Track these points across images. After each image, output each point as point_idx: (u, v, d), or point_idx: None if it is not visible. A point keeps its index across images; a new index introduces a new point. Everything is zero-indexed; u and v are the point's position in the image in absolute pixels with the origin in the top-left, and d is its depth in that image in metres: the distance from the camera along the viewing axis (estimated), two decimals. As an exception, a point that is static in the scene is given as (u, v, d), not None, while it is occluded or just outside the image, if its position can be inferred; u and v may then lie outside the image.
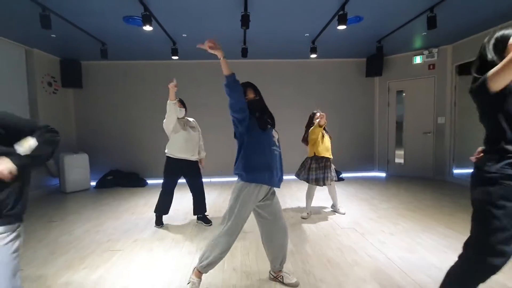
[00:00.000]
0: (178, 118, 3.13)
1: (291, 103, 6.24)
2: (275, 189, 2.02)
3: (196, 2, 3.38)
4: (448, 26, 4.41)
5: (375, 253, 2.50)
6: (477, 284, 1.35)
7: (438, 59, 5.57)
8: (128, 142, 6.09)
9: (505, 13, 3.93)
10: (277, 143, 1.98)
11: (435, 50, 5.55)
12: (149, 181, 5.91)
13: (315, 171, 3.42)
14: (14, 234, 1.23)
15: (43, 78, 5.22)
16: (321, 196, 4.20)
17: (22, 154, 1.20)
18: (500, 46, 1.34)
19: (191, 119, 3.36)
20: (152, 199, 4.61)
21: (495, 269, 1.29)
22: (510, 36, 1.32)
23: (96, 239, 2.98)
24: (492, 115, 1.33)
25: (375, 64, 6.01)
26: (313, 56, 5.15)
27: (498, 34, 1.38)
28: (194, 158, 3.24)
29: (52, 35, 4.30)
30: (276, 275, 2.08)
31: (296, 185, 5.34)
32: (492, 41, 1.38)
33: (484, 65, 1.34)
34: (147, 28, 3.47)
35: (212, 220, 3.41)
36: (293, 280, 2.04)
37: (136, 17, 3.68)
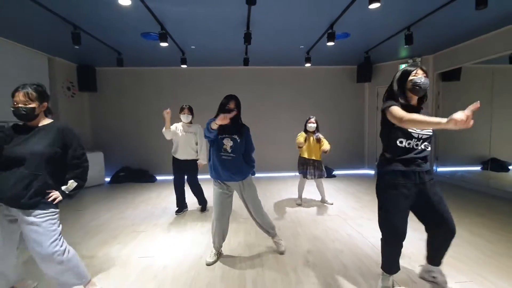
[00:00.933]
0: (182, 122, 3.71)
1: (288, 106, 6.81)
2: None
3: (205, 22, 3.93)
4: (427, 40, 4.99)
5: (353, 233, 3.08)
6: None
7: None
8: (138, 141, 6.64)
9: (475, 30, 4.50)
10: (228, 150, 2.40)
11: (418, 59, 6.13)
12: (158, 177, 6.47)
13: (302, 166, 4.09)
14: (52, 215, 1.80)
15: (63, 83, 5.77)
16: (313, 190, 4.76)
17: (66, 191, 1.84)
18: (403, 79, 1.91)
19: (193, 125, 3.78)
20: (163, 192, 5.17)
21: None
22: (410, 73, 1.89)
23: (121, 223, 3.54)
24: (385, 133, 1.95)
25: (364, 71, 6.59)
26: (308, 65, 5.72)
27: (403, 69, 1.94)
28: (190, 158, 3.73)
29: (75, 47, 4.84)
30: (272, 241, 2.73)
31: (291, 181, 5.91)
32: (398, 74, 1.95)
33: (392, 92, 1.94)
34: (163, 44, 4.03)
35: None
36: (281, 249, 2.64)
37: (152, 33, 4.23)
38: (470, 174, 5.80)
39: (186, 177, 3.87)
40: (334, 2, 3.39)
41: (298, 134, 4.09)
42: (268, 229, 2.67)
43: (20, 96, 1.75)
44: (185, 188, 3.90)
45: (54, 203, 1.78)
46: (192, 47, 5.03)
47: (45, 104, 1.85)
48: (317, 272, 2.29)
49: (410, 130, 1.85)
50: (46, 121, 1.87)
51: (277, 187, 5.47)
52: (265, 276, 2.24)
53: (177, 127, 3.72)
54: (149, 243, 2.92)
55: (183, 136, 3.69)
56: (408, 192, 1.85)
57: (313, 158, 4.04)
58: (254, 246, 2.81)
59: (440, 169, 6.15)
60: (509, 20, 4.10)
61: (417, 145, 1.87)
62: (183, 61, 5.42)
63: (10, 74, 4.51)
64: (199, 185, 3.93)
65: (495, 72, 5.24)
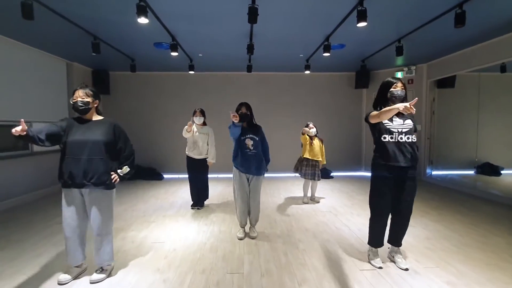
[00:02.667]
0: (195, 123, 4.10)
1: (288, 111, 7.19)
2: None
3: (212, 35, 4.34)
4: (419, 51, 5.33)
5: (341, 226, 3.44)
6: None
7: (416, 75, 6.48)
8: (147, 141, 7.07)
9: (464, 42, 4.83)
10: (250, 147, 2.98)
11: (413, 68, 6.46)
12: (165, 175, 6.89)
13: (305, 167, 4.41)
14: (112, 194, 2.26)
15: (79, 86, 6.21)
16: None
17: (121, 174, 2.26)
18: (385, 89, 2.37)
19: (205, 127, 4.19)
20: (170, 189, 5.58)
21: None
22: (392, 85, 2.30)
23: (134, 214, 3.95)
24: (373, 134, 2.43)
25: (362, 78, 6.94)
26: (307, 72, 6.09)
27: (386, 80, 2.39)
28: (200, 157, 4.12)
29: (93, 54, 5.29)
30: (249, 227, 3.22)
31: (291, 182, 6.28)
32: (382, 85, 2.40)
33: (377, 100, 2.43)
34: (174, 53, 4.45)
35: (218, 206, 4.38)
36: (253, 234, 3.10)
37: (164, 43, 4.65)
38: (461, 178, 6.10)
39: (197, 175, 4.18)
40: (329, 17, 3.76)
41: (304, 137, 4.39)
42: (252, 219, 3.15)
43: (79, 93, 2.18)
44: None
45: (115, 183, 2.23)
46: (199, 55, 5.45)
47: (97, 101, 2.28)
48: (305, 256, 2.65)
49: (388, 126, 2.32)
50: (99, 117, 2.30)
51: (277, 186, 5.84)
52: (260, 258, 2.61)
53: (193, 128, 4.09)
54: (160, 231, 3.32)
55: (195, 137, 4.07)
56: (390, 182, 2.35)
57: (316, 159, 4.37)
58: (249, 238, 3.18)
59: (434, 172, 6.46)
60: (493, 34, 4.42)
61: (401, 138, 2.31)
62: (191, 68, 5.85)
63: (30, 78, 4.96)
64: (207, 182, 4.30)
65: (488, 80, 5.56)
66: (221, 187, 5.79)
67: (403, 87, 2.36)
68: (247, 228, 3.23)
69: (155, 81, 7.05)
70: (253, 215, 3.14)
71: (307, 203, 4.52)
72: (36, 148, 5.12)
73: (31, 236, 3.13)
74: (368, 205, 2.52)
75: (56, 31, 4.15)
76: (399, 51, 4.61)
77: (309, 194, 4.65)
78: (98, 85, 6.65)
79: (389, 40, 4.66)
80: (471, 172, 6.47)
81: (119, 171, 2.27)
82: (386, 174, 2.34)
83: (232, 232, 3.28)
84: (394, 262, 2.49)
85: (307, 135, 4.36)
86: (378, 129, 2.36)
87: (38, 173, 5.05)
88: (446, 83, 6.30)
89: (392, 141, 2.31)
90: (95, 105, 2.29)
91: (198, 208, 4.22)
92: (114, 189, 2.28)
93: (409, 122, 2.35)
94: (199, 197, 4.28)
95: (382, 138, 2.34)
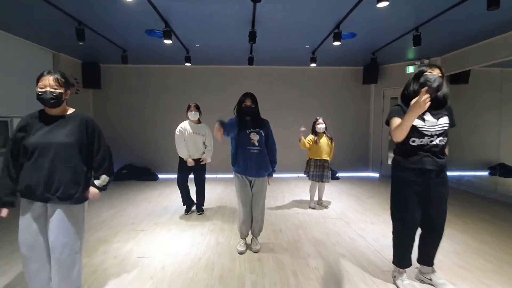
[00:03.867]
0: (189, 120, 3.68)
1: (292, 107, 6.75)
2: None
3: (210, 20, 3.89)
4: (435, 42, 4.89)
5: (355, 237, 3.02)
6: None
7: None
8: (141, 139, 6.63)
9: (485, 32, 4.40)
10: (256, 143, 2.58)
11: (426, 61, 6.02)
12: (160, 176, 6.46)
13: (313, 169, 4.00)
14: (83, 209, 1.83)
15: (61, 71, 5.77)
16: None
17: (99, 185, 1.85)
18: (417, 77, 1.96)
19: (201, 125, 3.74)
20: (165, 191, 5.16)
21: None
22: (426, 71, 1.92)
23: (122, 221, 3.52)
24: None
25: (371, 72, 6.50)
26: (313, 65, 5.65)
27: (420, 68, 1.98)
28: (195, 157, 3.68)
29: (80, 43, 4.84)
30: (251, 238, 2.80)
31: (295, 183, 5.86)
32: (414, 75, 1.99)
33: (404, 93, 2.02)
34: (167, 41, 4.01)
35: (216, 212, 3.94)
36: (256, 247, 2.69)
37: (157, 31, 4.21)
38: (477, 179, 5.69)
39: (193, 176, 3.77)
40: (341, 1, 3.33)
41: (307, 138, 4.00)
42: (255, 229, 2.74)
43: (50, 80, 1.68)
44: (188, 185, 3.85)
45: (91, 198, 1.83)
46: (196, 45, 5.00)
47: (69, 92, 1.81)
48: (318, 276, 2.24)
49: (419, 127, 1.90)
50: (70, 110, 1.84)
51: (281, 188, 5.42)
52: (265, 279, 2.20)
53: (185, 128, 3.66)
54: (148, 242, 2.90)
55: (190, 137, 3.64)
56: (418, 188, 1.95)
57: (323, 158, 3.96)
58: (251, 251, 2.77)
59: (447, 173, 6.04)
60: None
61: (431, 141, 1.91)
62: (188, 59, 5.40)
63: (13, 69, 4.52)
64: (204, 184, 3.88)
65: (505, 76, 5.12)
66: (219, 189, 5.37)
67: (441, 74, 1.91)
68: (248, 239, 2.82)
69: (149, 75, 6.60)
70: (257, 224, 2.73)
71: (314, 208, 4.10)
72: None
73: (2, 247, 2.72)
74: (390, 217, 2.12)
75: (37, 16, 3.71)
76: (417, 41, 4.17)
77: (316, 198, 4.23)
78: (89, 79, 6.23)
79: (406, 28, 4.23)
80: (485, 173, 6.09)
81: (96, 182, 1.83)
82: (412, 179, 1.94)
83: (231, 244, 2.86)
84: (431, 284, 2.07)
85: (313, 134, 3.99)
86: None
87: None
88: (459, 78, 5.88)
89: (422, 145, 1.91)
90: (67, 97, 1.80)
91: (199, 214, 3.81)
92: (87, 201, 1.84)
93: (444, 120, 1.93)
94: (197, 200, 3.86)
95: (410, 142, 1.93)
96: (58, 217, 1.70)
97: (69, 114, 1.83)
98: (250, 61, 5.45)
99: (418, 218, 2.00)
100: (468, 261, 2.47)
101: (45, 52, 5.28)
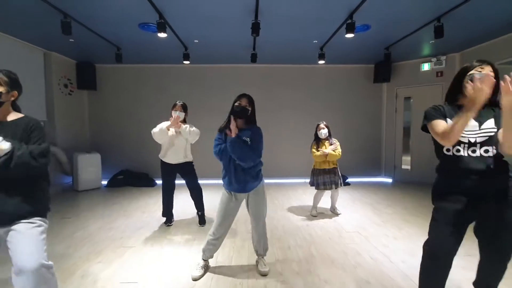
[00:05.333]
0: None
1: (299, 108, 6.33)
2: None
3: (209, 10, 3.51)
4: (456, 35, 4.45)
5: (379, 256, 2.57)
6: None
7: (446, 66, 5.59)
8: (138, 143, 6.25)
9: (510, 25, 3.96)
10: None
11: (443, 58, 5.57)
12: (158, 181, 6.06)
13: (317, 176, 3.64)
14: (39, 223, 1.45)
15: (60, 80, 5.44)
16: (327, 199, 4.27)
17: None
18: (461, 75, 1.61)
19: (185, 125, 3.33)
20: (160, 199, 4.73)
21: None
22: (473, 68, 1.55)
23: (109, 235, 3.12)
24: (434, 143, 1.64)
25: (383, 70, 6.07)
26: (321, 62, 5.24)
27: (465, 65, 1.62)
28: (178, 161, 3.33)
29: (70, 40, 4.50)
30: (256, 259, 2.41)
31: (302, 189, 5.41)
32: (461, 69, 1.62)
33: (449, 92, 1.66)
34: (162, 35, 3.63)
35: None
36: (265, 269, 2.28)
37: (151, 24, 3.84)
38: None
39: (185, 182, 3.45)
40: (357, -15, 2.93)
41: (312, 149, 3.67)
42: (259, 248, 2.38)
43: None
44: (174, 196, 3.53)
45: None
46: (195, 41, 4.63)
47: (15, 93, 1.54)
48: (339, 312, 1.80)
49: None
50: (16, 115, 1.53)
51: (287, 195, 4.98)
52: (273, 315, 1.77)
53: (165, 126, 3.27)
54: (136, 263, 2.48)
55: (173, 137, 3.24)
56: (462, 207, 1.49)
57: (328, 167, 3.61)
58: (256, 271, 2.34)
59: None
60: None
61: (473, 151, 1.47)
62: (186, 57, 5.03)
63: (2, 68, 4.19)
64: (200, 188, 3.50)
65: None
66: (216, 195, 4.93)
67: (493, 74, 1.49)
68: (276, 266, 2.39)
69: (147, 76, 6.24)
70: (259, 243, 2.34)
71: (315, 216, 3.74)
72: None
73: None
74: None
75: (22, 10, 3.37)
76: (439, 32, 3.73)
77: (319, 205, 3.88)
78: (83, 79, 5.89)
79: (426, 18, 3.79)
80: None
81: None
82: (452, 196, 1.53)
83: (232, 263, 2.44)
84: None
85: (315, 141, 3.70)
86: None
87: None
88: (478, 76, 5.43)
89: (461, 155, 1.50)
90: (12, 98, 1.51)
91: (201, 225, 3.43)
92: (42, 218, 1.48)
93: (489, 124, 1.49)
94: (196, 209, 3.48)
95: (445, 151, 1.55)
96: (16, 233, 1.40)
97: (13, 120, 1.48)
98: (253, 58, 5.06)
99: (453, 249, 1.56)
100: (520, 290, 2.01)
101: (35, 51, 4.95)
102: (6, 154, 1.32)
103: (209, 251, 2.34)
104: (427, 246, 1.64)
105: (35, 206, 1.45)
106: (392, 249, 2.71)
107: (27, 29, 4.06)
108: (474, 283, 1.74)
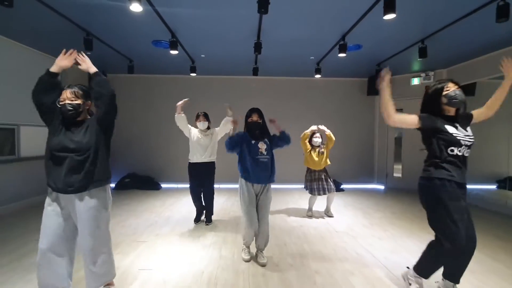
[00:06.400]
0: (199, 129, 3.70)
1: (296, 118, 6.71)
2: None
3: (217, 31, 3.93)
4: (441, 54, 4.88)
5: (364, 253, 2.91)
6: None
7: (434, 81, 6.00)
8: (144, 148, 6.62)
9: (491, 44, 4.38)
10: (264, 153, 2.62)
11: (431, 73, 6.00)
12: (163, 185, 6.40)
13: (311, 182, 4.03)
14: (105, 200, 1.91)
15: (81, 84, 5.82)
16: (321, 203, 4.61)
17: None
18: (436, 97, 1.95)
19: (208, 131, 3.75)
20: (167, 201, 5.09)
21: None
22: (442, 89, 1.92)
23: (123, 232, 3.45)
24: (428, 142, 1.97)
25: (375, 84, 6.47)
26: (318, 76, 5.65)
27: (432, 87, 1.98)
28: (204, 160, 3.65)
29: (88, 53, 4.89)
30: (256, 252, 2.73)
31: (299, 194, 5.75)
32: (427, 95, 2.01)
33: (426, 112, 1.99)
34: (174, 52, 4.04)
35: (220, 222, 3.87)
36: (263, 261, 2.60)
37: (163, 41, 4.25)
38: (486, 193, 5.56)
39: (201, 183, 3.71)
40: (348, 12, 3.34)
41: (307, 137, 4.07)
42: (261, 242, 2.66)
43: (67, 93, 1.82)
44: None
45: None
46: (202, 56, 5.04)
47: (89, 102, 1.93)
48: (325, 295, 2.13)
49: (458, 137, 1.84)
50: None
51: (284, 200, 5.33)
52: (270, 297, 2.10)
53: (194, 132, 3.68)
54: (149, 254, 2.81)
55: (198, 140, 3.63)
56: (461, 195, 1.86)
57: (321, 168, 4.03)
58: (258, 264, 2.67)
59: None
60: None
61: (467, 153, 1.87)
62: (193, 70, 5.44)
63: (21, 78, 4.57)
64: (213, 194, 3.81)
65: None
66: (222, 199, 5.28)
67: (457, 86, 1.89)
68: (252, 249, 2.77)
69: (154, 85, 6.65)
70: (263, 238, 2.66)
71: (311, 216, 4.13)
72: (23, 152, 4.70)
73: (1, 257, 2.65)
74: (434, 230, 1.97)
75: (46, 26, 3.78)
76: (422, 53, 4.16)
77: (314, 209, 4.29)
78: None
79: (411, 40, 4.22)
80: (493, 186, 5.94)
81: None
82: (452, 188, 1.85)
83: (234, 257, 2.77)
84: None
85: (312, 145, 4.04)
86: (443, 139, 1.85)
87: (25, 181, 4.60)
88: (465, 91, 5.78)
89: (459, 155, 1.85)
90: (87, 107, 1.90)
91: (206, 224, 3.74)
92: (108, 196, 2.01)
93: (470, 132, 1.90)
94: (205, 209, 3.79)
95: (449, 151, 1.83)
96: (85, 207, 1.82)
97: (88, 119, 1.92)
98: (255, 72, 5.47)
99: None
100: (484, 281, 2.35)
101: (52, 61, 5.32)
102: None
103: (250, 238, 2.68)
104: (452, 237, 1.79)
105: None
106: (376, 248, 3.05)
107: (48, 42, 4.46)
108: (444, 274, 2.03)
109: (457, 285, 2.00)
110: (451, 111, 1.92)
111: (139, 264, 2.60)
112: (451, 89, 1.88)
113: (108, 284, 1.97)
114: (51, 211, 1.81)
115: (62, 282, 1.81)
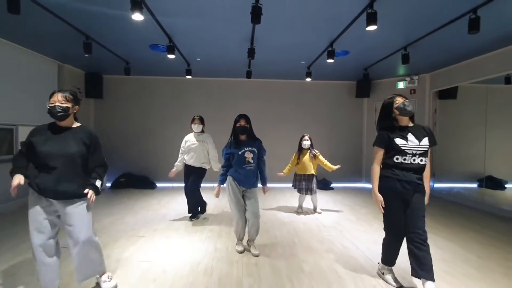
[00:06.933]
0: (194, 132, 3.89)
1: (288, 119, 6.97)
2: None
3: (212, 37, 4.12)
4: (423, 61, 5.18)
5: (348, 245, 3.15)
6: None
7: (418, 85, 6.34)
8: (140, 148, 6.75)
9: (471, 51, 4.68)
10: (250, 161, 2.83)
11: (415, 78, 6.32)
12: (158, 184, 6.55)
13: (299, 182, 4.35)
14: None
15: (71, 89, 5.92)
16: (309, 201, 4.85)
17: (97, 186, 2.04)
18: (388, 111, 2.23)
19: (202, 135, 3.91)
20: (163, 199, 5.25)
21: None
22: (392, 104, 2.21)
23: (121, 228, 3.61)
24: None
25: (363, 87, 6.78)
26: (308, 79, 5.90)
27: (384, 103, 2.27)
28: (197, 165, 3.84)
29: (86, 55, 5.02)
30: (247, 242, 2.99)
31: (290, 193, 5.98)
32: (381, 110, 2.29)
33: (381, 125, 2.29)
34: (171, 56, 4.21)
35: (214, 219, 4.07)
36: (255, 252, 2.84)
37: (160, 45, 4.42)
38: (466, 191, 5.88)
39: (189, 182, 3.87)
40: (335, 21, 3.57)
41: (288, 165, 4.45)
42: (251, 232, 2.88)
43: (58, 97, 1.96)
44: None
45: (91, 201, 2.01)
46: (197, 59, 5.22)
47: (77, 107, 2.06)
48: (311, 281, 2.35)
49: (402, 147, 2.14)
50: (76, 124, 2.08)
51: (276, 198, 5.55)
52: (261, 283, 2.31)
53: (189, 139, 3.87)
54: (148, 247, 2.99)
55: (194, 146, 3.84)
56: (402, 197, 2.16)
57: (307, 173, 4.27)
58: (250, 254, 2.87)
59: (437, 185, 6.23)
60: (504, 43, 4.28)
61: (414, 160, 2.13)
62: (188, 72, 5.61)
63: (20, 79, 4.67)
64: (199, 195, 3.96)
65: (490, 92, 5.41)
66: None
67: (404, 99, 2.21)
68: (244, 242, 3.00)
69: (150, 86, 6.80)
70: (253, 227, 2.86)
71: (300, 213, 4.39)
72: (20, 153, 4.79)
73: (3, 253, 2.79)
74: (383, 222, 2.32)
75: (47, 30, 3.89)
76: (405, 59, 4.44)
77: (305, 206, 4.56)
78: (91, 89, 6.39)
79: (395, 47, 4.50)
80: (474, 185, 6.28)
81: (94, 182, 2.04)
82: (398, 190, 2.17)
83: (229, 249, 2.97)
84: None
85: (298, 151, 4.38)
86: (391, 148, 2.18)
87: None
88: (448, 94, 6.16)
89: (405, 163, 2.14)
90: (74, 111, 2.05)
91: (190, 219, 3.95)
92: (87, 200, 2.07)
93: (425, 142, 2.16)
94: (194, 207, 3.99)
95: (394, 159, 2.16)
96: (73, 211, 1.98)
97: (75, 127, 2.06)
98: (248, 75, 5.68)
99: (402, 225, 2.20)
100: (455, 269, 2.60)
101: (51, 63, 5.45)
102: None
103: (242, 233, 2.97)
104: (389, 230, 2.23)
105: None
106: (360, 240, 3.29)
107: (48, 45, 4.58)
108: (412, 271, 2.23)
109: (432, 282, 2.06)
110: (404, 120, 2.20)
111: (139, 256, 2.77)
112: (399, 102, 2.18)
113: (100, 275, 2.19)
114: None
115: (56, 276, 2.00)
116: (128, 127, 6.76)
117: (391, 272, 2.34)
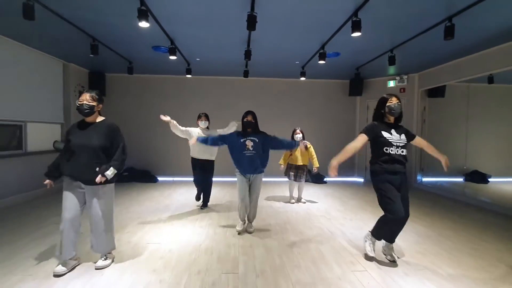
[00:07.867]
0: (200, 127, 4.19)
1: (284, 116, 7.28)
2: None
3: (212, 39, 4.41)
4: (411, 62, 5.50)
5: (335, 230, 3.50)
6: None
7: (407, 84, 6.66)
8: (142, 144, 7.05)
9: (453, 54, 5.01)
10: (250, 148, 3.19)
11: (405, 77, 6.64)
12: (160, 178, 6.86)
13: (289, 170, 4.75)
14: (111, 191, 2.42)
15: (75, 87, 6.21)
16: (306, 193, 5.19)
17: (107, 174, 2.30)
18: (382, 104, 2.56)
19: (210, 130, 4.26)
20: (165, 192, 5.57)
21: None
22: (387, 100, 2.53)
23: (128, 216, 3.94)
24: (372, 145, 2.59)
25: (356, 85, 7.09)
26: (303, 78, 6.21)
27: (382, 97, 2.58)
28: (203, 157, 4.15)
29: (90, 55, 5.30)
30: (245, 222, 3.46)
31: (285, 186, 6.32)
32: (379, 102, 2.59)
33: (375, 115, 2.63)
34: (172, 57, 4.50)
35: (214, 208, 4.41)
36: (250, 229, 3.37)
37: (162, 47, 4.70)
38: (452, 185, 6.24)
39: (201, 175, 4.22)
40: (326, 26, 3.87)
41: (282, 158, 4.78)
42: (250, 215, 3.41)
43: (86, 96, 2.32)
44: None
45: (97, 181, 2.27)
46: (197, 59, 5.51)
47: (101, 105, 2.43)
48: (299, 258, 2.69)
49: (389, 140, 2.48)
50: (100, 118, 2.45)
51: (272, 191, 5.89)
52: (255, 260, 2.65)
53: (194, 131, 4.14)
54: (155, 232, 3.32)
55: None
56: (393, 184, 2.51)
57: (299, 164, 4.63)
58: (246, 236, 3.21)
59: (425, 179, 6.59)
60: (484, 46, 4.58)
61: (397, 151, 2.49)
62: (188, 71, 5.90)
63: (27, 77, 4.95)
64: (211, 185, 4.40)
65: (471, 90, 5.76)
66: (215, 190, 5.76)
67: (398, 101, 2.53)
68: (261, 234, 3.36)
69: (151, 84, 7.08)
70: (252, 210, 3.36)
71: (293, 203, 4.80)
72: (30, 147, 5.09)
73: (22, 238, 3.10)
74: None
75: (55, 32, 4.17)
76: (392, 61, 4.75)
77: (295, 195, 4.94)
78: (95, 87, 6.66)
79: (383, 49, 4.81)
80: (461, 179, 6.65)
81: (107, 172, 2.30)
82: (389, 177, 2.50)
83: (226, 234, 3.30)
84: (385, 255, 2.66)
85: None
86: (379, 141, 2.51)
87: (31, 174, 4.99)
88: (436, 92, 6.49)
89: (392, 154, 2.48)
90: (99, 109, 2.42)
91: (201, 208, 4.34)
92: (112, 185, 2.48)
93: (403, 137, 2.53)
94: (202, 196, 4.40)
95: (384, 150, 2.48)
96: (97, 194, 2.37)
97: (98, 121, 2.42)
98: (245, 74, 5.97)
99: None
100: (426, 249, 2.96)
101: (56, 62, 5.72)
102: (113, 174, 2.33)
103: (242, 215, 3.37)
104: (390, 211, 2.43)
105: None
106: (346, 226, 3.64)
107: (54, 45, 4.84)
108: (385, 237, 2.67)
109: (392, 244, 2.66)
110: (390, 118, 2.57)
111: (147, 239, 3.10)
112: (393, 102, 2.51)
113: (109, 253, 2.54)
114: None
115: (73, 248, 2.36)
116: (130, 124, 7.04)
117: (374, 244, 2.69)
